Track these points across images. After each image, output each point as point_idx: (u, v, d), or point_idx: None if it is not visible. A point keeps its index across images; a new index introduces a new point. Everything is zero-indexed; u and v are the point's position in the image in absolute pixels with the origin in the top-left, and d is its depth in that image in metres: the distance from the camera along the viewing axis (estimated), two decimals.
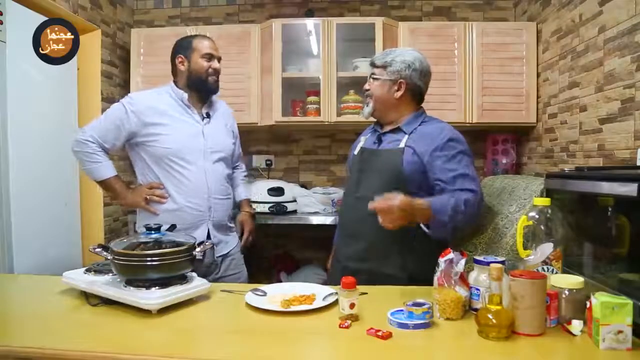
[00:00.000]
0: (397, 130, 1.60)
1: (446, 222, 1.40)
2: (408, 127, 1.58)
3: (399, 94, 1.59)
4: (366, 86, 1.65)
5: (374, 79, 1.63)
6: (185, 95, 1.82)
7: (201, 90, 1.84)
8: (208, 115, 1.87)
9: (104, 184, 1.85)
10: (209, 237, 1.80)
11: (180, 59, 1.83)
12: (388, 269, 1.49)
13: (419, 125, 1.58)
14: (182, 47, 1.84)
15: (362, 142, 1.72)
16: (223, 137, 1.91)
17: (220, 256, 1.86)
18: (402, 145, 1.54)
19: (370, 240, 1.53)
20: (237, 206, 2.11)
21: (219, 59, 1.87)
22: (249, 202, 2.19)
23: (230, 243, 1.92)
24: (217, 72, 1.84)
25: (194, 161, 1.78)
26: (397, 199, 1.30)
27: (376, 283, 1.41)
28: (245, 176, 2.20)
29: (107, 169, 1.82)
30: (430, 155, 1.49)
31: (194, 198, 1.78)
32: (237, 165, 2.14)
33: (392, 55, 1.61)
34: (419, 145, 1.52)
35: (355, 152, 1.71)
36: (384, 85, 1.60)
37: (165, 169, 1.78)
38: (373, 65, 1.64)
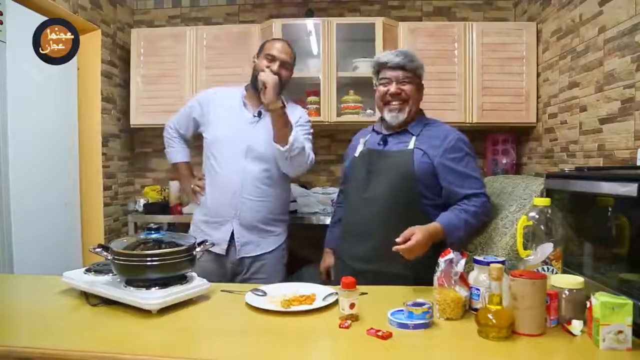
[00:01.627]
0: (404, 131, 1.61)
1: (462, 236, 1.49)
2: (415, 129, 1.60)
3: (422, 97, 1.65)
4: (395, 89, 1.57)
5: (407, 82, 1.58)
6: (244, 93, 1.88)
7: (255, 88, 1.83)
8: (260, 114, 1.84)
9: (174, 167, 2.05)
10: (233, 236, 1.80)
11: (254, 58, 1.90)
12: (395, 268, 1.49)
13: (424, 127, 1.60)
14: (259, 48, 1.91)
15: (361, 143, 1.71)
16: (269, 138, 1.78)
17: (248, 257, 1.83)
18: (411, 146, 1.55)
19: (378, 240, 1.53)
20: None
21: (283, 64, 1.81)
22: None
23: (263, 246, 1.85)
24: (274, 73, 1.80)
25: (229, 157, 1.80)
26: (416, 235, 1.35)
27: (383, 283, 1.41)
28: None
29: (178, 154, 2.01)
30: (440, 157, 1.52)
31: (221, 194, 1.81)
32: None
33: (415, 58, 1.60)
34: (428, 147, 1.53)
35: (357, 154, 1.69)
36: (417, 89, 1.61)
37: (207, 161, 1.87)
38: (401, 68, 1.57)
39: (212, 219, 1.84)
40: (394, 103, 1.58)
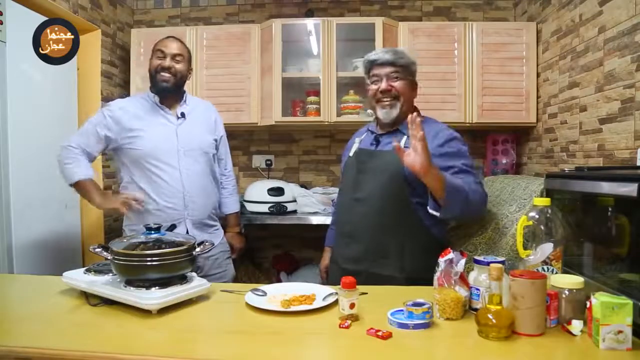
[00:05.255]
0: (396, 131, 1.59)
1: (464, 192, 1.34)
2: (407, 128, 1.57)
3: (415, 94, 1.62)
4: (385, 86, 1.56)
5: (397, 78, 1.56)
6: (157, 98, 1.86)
7: (156, 89, 1.84)
8: (183, 115, 1.88)
9: (79, 185, 1.82)
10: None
11: (149, 62, 1.88)
12: (386, 270, 1.49)
13: None
14: (151, 51, 1.88)
15: (357, 143, 1.70)
16: (200, 135, 1.91)
17: (203, 255, 1.83)
18: (402, 146, 1.53)
19: (368, 241, 1.53)
20: (224, 222, 2.08)
21: (175, 56, 1.83)
22: (237, 217, 2.16)
23: (212, 242, 1.88)
24: (166, 69, 1.81)
25: (168, 161, 1.81)
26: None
27: (374, 285, 1.40)
28: (234, 187, 2.14)
29: (87, 169, 1.81)
30: (431, 155, 1.47)
31: (171, 197, 1.81)
32: (225, 174, 2.10)
33: (407, 55, 1.58)
34: None
35: (351, 154, 1.69)
36: (409, 86, 1.59)
37: (143, 171, 1.82)
38: (391, 64, 1.56)
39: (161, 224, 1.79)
40: (385, 100, 1.57)
